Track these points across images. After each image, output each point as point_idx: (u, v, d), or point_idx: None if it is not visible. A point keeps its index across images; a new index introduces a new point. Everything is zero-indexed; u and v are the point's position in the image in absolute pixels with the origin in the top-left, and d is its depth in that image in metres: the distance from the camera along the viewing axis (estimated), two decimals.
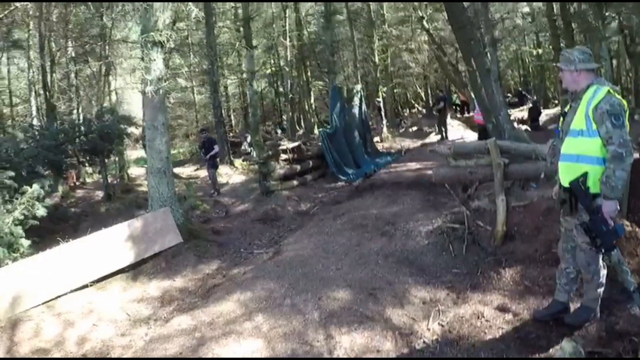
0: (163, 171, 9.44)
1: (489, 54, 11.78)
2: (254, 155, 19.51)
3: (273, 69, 30.21)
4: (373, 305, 5.20)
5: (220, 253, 9.11)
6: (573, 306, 4.48)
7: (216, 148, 15.40)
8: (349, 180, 12.93)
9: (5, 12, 7.40)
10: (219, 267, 8.44)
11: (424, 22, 23.81)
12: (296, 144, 14.49)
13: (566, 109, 4.18)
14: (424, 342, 4.67)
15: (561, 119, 4.21)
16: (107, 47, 20.47)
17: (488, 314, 4.91)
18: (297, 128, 29.51)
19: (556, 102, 28.47)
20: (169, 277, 8.07)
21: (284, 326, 5.00)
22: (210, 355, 4.68)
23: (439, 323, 4.93)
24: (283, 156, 13.43)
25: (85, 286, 7.62)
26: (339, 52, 25.91)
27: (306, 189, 13.34)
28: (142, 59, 9.19)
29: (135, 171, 21.14)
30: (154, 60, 9.11)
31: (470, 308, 5.08)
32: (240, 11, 22.12)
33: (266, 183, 12.80)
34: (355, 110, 15.93)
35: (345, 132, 14.18)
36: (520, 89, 33.85)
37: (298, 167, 13.87)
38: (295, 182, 13.43)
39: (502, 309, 4.95)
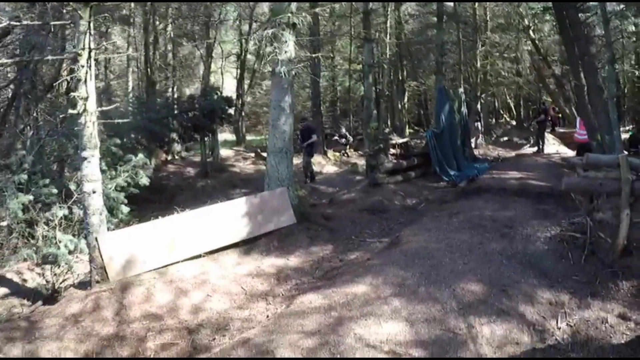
0: (284, 151, 9.66)
1: (604, 71, 11.59)
2: (350, 145, 20.02)
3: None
4: (507, 301, 5.51)
5: (331, 238, 9.22)
6: None
7: (314, 137, 15.50)
8: (451, 181, 13.11)
9: None
10: (333, 251, 8.60)
11: (530, 32, 23.48)
12: (405, 139, 14.78)
13: None
14: (556, 339, 5.00)
15: None
16: (210, 31, 21.27)
17: (611, 321, 5.17)
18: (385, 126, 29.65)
19: None
20: (283, 256, 8.27)
21: (423, 312, 5.31)
22: (352, 335, 4.95)
23: (567, 324, 5.21)
24: (391, 151, 13.73)
25: (198, 256, 7.80)
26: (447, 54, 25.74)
27: (410, 185, 13.38)
28: (273, 39, 9.40)
29: (223, 152, 21.45)
30: (286, 42, 9.39)
31: (594, 313, 5.33)
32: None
33: (374, 175, 13.00)
34: (458, 114, 16.08)
35: (450, 133, 14.36)
36: None
37: (404, 162, 14.06)
38: (400, 178, 13.60)
39: (624, 317, 5.20)
